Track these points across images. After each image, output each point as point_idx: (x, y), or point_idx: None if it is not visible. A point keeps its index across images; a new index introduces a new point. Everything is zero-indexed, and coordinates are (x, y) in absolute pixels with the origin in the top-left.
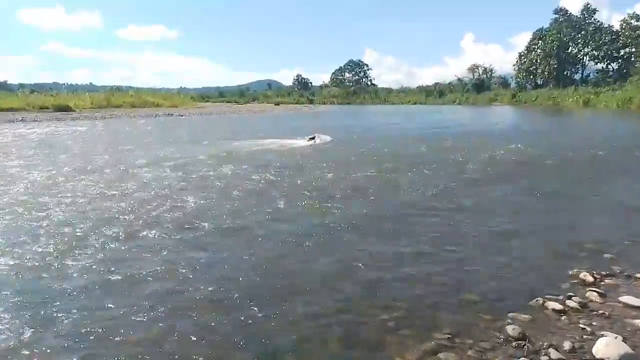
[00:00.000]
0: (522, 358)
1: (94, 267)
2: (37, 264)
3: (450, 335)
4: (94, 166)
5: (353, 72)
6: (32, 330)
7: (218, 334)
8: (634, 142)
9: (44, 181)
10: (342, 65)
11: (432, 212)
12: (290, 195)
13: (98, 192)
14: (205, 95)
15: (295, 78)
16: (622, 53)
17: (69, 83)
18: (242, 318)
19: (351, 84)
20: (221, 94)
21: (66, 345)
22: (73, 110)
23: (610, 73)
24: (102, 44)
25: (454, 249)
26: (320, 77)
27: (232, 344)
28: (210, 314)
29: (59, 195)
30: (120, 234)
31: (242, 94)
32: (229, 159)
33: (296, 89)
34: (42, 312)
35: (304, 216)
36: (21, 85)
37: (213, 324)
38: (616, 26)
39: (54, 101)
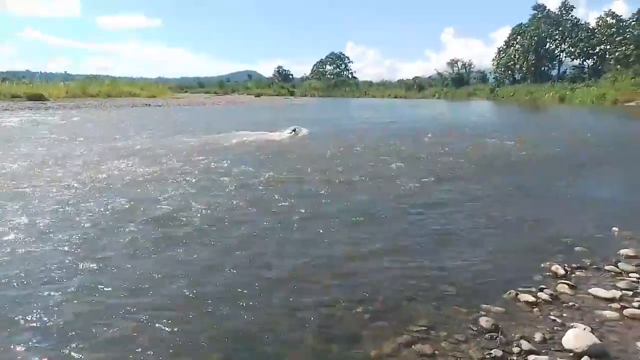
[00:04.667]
0: (495, 349)
1: (68, 259)
2: (7, 257)
3: (425, 328)
4: (63, 157)
5: (334, 65)
6: (8, 324)
7: (191, 330)
8: (606, 138)
9: (15, 172)
10: (324, 58)
11: (409, 207)
12: (269, 189)
13: (69, 183)
14: (184, 86)
15: (276, 69)
16: (597, 50)
17: (43, 72)
18: (218, 313)
19: (332, 76)
20: (200, 85)
21: (40, 342)
22: (47, 100)
23: (586, 69)
24: (80, 32)
25: (429, 243)
26: (301, 69)
27: (207, 340)
28: (185, 310)
29: (30, 188)
30: (94, 227)
31: (221, 85)
32: (208, 151)
33: (277, 80)
34: (17, 310)
35: (281, 210)
36: None
37: (188, 320)
38: (592, 23)
39: (27, 90)
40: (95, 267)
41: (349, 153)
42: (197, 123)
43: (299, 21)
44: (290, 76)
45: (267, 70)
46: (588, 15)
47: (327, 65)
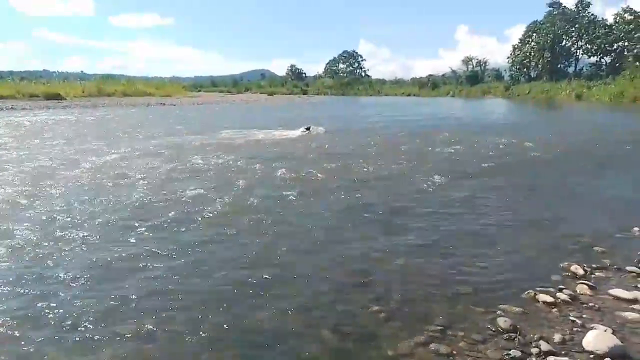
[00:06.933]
0: (513, 350)
1: (83, 257)
2: (27, 252)
3: (442, 327)
4: (84, 155)
5: (347, 63)
6: (21, 320)
7: (209, 327)
8: (625, 136)
9: (37, 169)
10: (337, 56)
11: (424, 206)
12: (283, 187)
13: (90, 181)
14: (198, 85)
15: (289, 68)
16: (615, 47)
17: (60, 71)
18: (233, 310)
19: (345, 75)
20: (214, 84)
21: (56, 336)
22: (64, 99)
23: (603, 67)
24: (94, 32)
25: (446, 242)
26: (314, 67)
27: (223, 337)
28: (200, 307)
29: (51, 185)
30: (111, 224)
31: (235, 84)
32: (224, 149)
33: (290, 79)
34: (32, 303)
35: (297, 208)
36: (11, 73)
37: (203, 317)
38: (610, 20)
39: (45, 89)
40: (109, 261)
41: (363, 151)
42: (213, 122)
43: (311, 20)
44: (304, 75)
45: (280, 68)
46: (605, 11)
47: (340, 64)
